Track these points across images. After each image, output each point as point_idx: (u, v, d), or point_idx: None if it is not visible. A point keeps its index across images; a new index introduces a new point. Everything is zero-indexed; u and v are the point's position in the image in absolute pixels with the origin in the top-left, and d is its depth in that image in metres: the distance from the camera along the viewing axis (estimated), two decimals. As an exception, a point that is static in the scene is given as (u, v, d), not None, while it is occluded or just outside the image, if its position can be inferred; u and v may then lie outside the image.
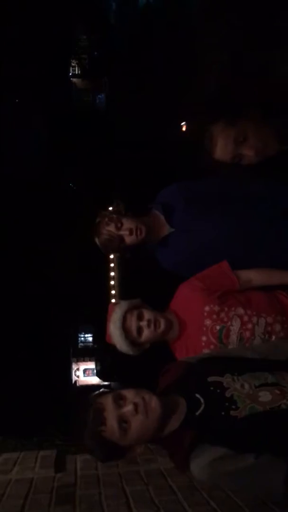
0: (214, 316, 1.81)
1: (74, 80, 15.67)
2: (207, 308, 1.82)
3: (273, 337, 1.76)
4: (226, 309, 1.82)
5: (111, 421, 1.32)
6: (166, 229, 2.06)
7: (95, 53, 13.77)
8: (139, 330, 1.83)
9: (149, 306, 1.90)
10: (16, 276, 9.39)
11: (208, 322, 1.81)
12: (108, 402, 1.34)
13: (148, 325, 1.82)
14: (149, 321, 1.82)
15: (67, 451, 2.64)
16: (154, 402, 1.32)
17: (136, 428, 1.32)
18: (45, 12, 8.40)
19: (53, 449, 2.69)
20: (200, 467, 1.32)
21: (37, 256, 9.54)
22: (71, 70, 15.17)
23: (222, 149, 1.60)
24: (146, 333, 1.83)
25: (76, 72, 15.65)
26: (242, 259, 1.94)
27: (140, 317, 1.84)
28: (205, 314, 1.82)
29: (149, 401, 1.32)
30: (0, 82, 7.95)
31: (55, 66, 9.77)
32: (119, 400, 1.34)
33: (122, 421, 1.32)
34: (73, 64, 14.83)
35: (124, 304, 1.89)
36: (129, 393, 1.35)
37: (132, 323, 1.83)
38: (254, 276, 1.91)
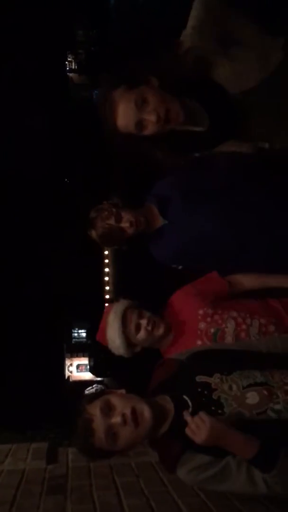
0: (208, 319, 1.84)
1: (70, 75, 15.59)
2: (201, 312, 1.86)
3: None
4: (220, 311, 1.85)
5: (99, 433, 1.33)
6: (160, 221, 2.08)
7: (92, 48, 13.74)
8: (138, 327, 1.85)
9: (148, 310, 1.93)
10: (9, 272, 9.38)
11: (202, 325, 1.83)
12: (96, 412, 1.34)
13: (148, 323, 1.84)
14: (149, 319, 1.84)
15: (59, 444, 2.67)
16: (146, 412, 1.32)
17: (125, 439, 1.34)
18: (42, 5, 8.38)
19: (45, 442, 2.72)
20: (186, 474, 1.36)
21: (31, 252, 9.54)
22: (67, 64, 15.11)
23: (123, 114, 1.48)
24: (143, 332, 1.84)
25: (73, 67, 15.58)
26: (235, 252, 1.96)
27: (140, 316, 1.86)
28: (199, 317, 1.85)
29: (140, 412, 1.33)
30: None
31: (51, 60, 9.73)
32: (107, 410, 1.34)
33: (111, 432, 1.32)
34: (69, 59, 14.77)
35: (125, 301, 1.91)
36: (118, 402, 1.35)
37: (132, 319, 1.85)
38: (241, 278, 1.96)
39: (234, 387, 1.36)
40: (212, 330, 1.81)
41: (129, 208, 2.03)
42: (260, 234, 1.95)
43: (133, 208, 2.04)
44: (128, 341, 1.86)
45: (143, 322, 1.84)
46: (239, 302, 1.90)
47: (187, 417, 1.30)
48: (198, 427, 1.26)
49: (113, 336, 1.86)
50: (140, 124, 1.49)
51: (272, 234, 1.96)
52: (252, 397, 1.33)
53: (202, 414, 1.28)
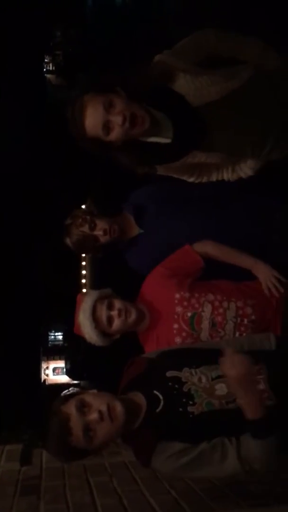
0: (185, 303, 1.85)
1: (48, 76, 15.52)
2: (177, 296, 1.86)
3: (245, 320, 1.82)
4: (196, 295, 1.86)
5: (77, 431, 1.35)
6: (136, 230, 2.12)
7: (70, 50, 13.71)
8: (109, 319, 1.85)
9: (119, 296, 1.93)
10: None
11: (179, 309, 1.84)
12: (72, 410, 1.36)
13: (119, 315, 1.84)
14: (119, 310, 1.84)
15: (34, 446, 2.66)
16: (118, 408, 1.36)
17: (101, 435, 1.36)
18: (19, 5, 8.33)
19: (20, 444, 2.70)
20: (162, 463, 1.40)
21: (6, 255, 9.44)
22: (45, 66, 15.03)
23: (91, 115, 1.53)
24: (116, 323, 1.85)
25: (50, 68, 15.50)
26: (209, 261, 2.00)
27: (110, 307, 1.86)
28: (176, 301, 1.85)
29: (113, 408, 1.36)
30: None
31: (28, 61, 9.68)
32: (83, 408, 1.36)
33: (88, 429, 1.35)
34: (47, 60, 14.69)
35: (93, 294, 1.91)
36: (93, 400, 1.38)
37: (103, 312, 1.85)
38: (209, 250, 1.96)
39: (204, 379, 1.41)
40: (189, 314, 1.83)
41: (104, 216, 2.05)
42: (238, 246, 2.00)
43: (109, 216, 2.07)
44: (104, 333, 1.88)
45: (114, 313, 1.85)
46: (215, 285, 1.92)
47: (227, 351, 1.35)
48: (235, 364, 1.32)
49: (88, 332, 1.87)
50: (106, 125, 1.53)
51: (249, 243, 2.02)
52: (221, 389, 1.39)
53: (243, 357, 1.33)
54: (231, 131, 1.63)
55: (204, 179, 1.87)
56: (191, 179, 1.87)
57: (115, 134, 1.54)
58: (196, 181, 1.87)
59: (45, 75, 15.07)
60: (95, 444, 1.38)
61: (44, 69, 14.61)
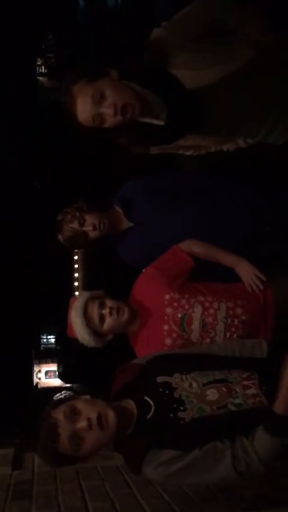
0: (175, 304, 1.84)
1: (40, 78, 15.51)
2: (167, 297, 1.86)
3: (236, 321, 1.82)
4: (186, 296, 1.86)
5: (64, 438, 1.32)
6: (125, 223, 2.12)
7: (62, 52, 13.71)
8: (101, 318, 1.84)
9: (111, 297, 1.93)
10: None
11: (169, 310, 1.84)
12: (61, 417, 1.34)
13: (110, 313, 1.84)
14: (111, 309, 1.84)
15: (25, 450, 2.65)
16: (110, 417, 1.34)
17: (90, 443, 1.34)
18: (11, 8, 8.31)
19: (11, 448, 2.69)
20: (153, 470, 1.38)
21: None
22: (37, 68, 15.02)
23: (81, 108, 1.51)
24: (108, 321, 1.84)
25: (43, 71, 15.50)
26: (199, 262, 2.00)
27: (101, 306, 1.86)
28: (166, 302, 1.85)
29: (105, 416, 1.34)
30: None
31: (20, 64, 9.66)
32: (73, 415, 1.34)
33: (76, 437, 1.32)
34: (39, 63, 14.68)
35: (85, 294, 1.91)
36: (84, 407, 1.36)
37: (94, 311, 1.85)
38: (194, 248, 1.97)
39: (194, 384, 1.40)
40: (179, 315, 1.83)
41: (93, 211, 2.06)
42: (228, 236, 2.00)
43: (98, 211, 2.07)
44: (97, 332, 1.87)
45: (106, 312, 1.84)
46: (206, 286, 1.91)
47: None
48: None
49: (80, 332, 1.86)
50: (98, 118, 1.53)
51: (240, 235, 2.01)
52: (212, 394, 1.38)
53: None
54: (227, 114, 1.60)
55: (202, 152, 1.86)
56: (188, 153, 1.85)
57: (108, 124, 1.54)
58: (195, 154, 1.86)
59: (38, 77, 15.05)
60: (83, 452, 1.36)
61: (37, 72, 14.59)
